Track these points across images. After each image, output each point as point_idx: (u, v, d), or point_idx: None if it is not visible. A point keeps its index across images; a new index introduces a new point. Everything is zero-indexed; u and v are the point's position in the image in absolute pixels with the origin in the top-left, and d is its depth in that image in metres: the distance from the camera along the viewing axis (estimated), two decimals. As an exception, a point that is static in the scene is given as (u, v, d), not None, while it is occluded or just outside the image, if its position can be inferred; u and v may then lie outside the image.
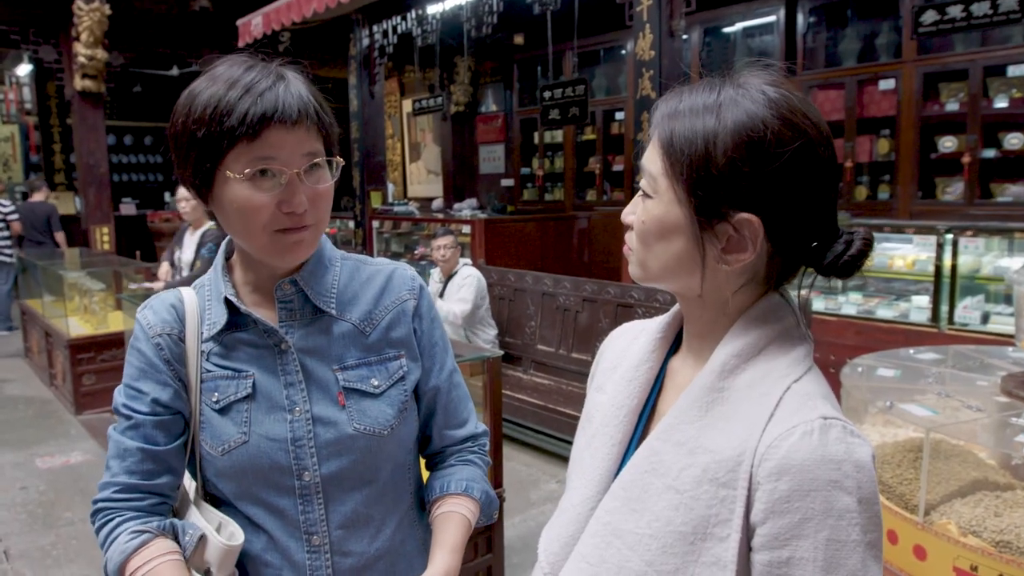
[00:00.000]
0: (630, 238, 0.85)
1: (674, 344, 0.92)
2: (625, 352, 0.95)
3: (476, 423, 1.24)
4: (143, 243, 9.20)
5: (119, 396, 1.07)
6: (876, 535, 0.72)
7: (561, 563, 0.87)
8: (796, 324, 0.82)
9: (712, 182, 0.76)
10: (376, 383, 1.09)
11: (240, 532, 1.05)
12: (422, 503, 1.20)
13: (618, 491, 0.83)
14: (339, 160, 1.04)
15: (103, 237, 8.08)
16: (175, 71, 9.75)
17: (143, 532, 1.02)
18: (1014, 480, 1.98)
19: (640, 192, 0.84)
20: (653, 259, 0.82)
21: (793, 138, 0.75)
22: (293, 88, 0.98)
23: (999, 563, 1.69)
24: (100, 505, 1.05)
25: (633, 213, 0.84)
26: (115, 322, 5.60)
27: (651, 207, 0.81)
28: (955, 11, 3.80)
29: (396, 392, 1.10)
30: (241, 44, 7.09)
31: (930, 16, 3.92)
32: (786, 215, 0.77)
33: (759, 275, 0.82)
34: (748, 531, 0.74)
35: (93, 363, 5.36)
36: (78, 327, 5.55)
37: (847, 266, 0.79)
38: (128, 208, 10.40)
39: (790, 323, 0.82)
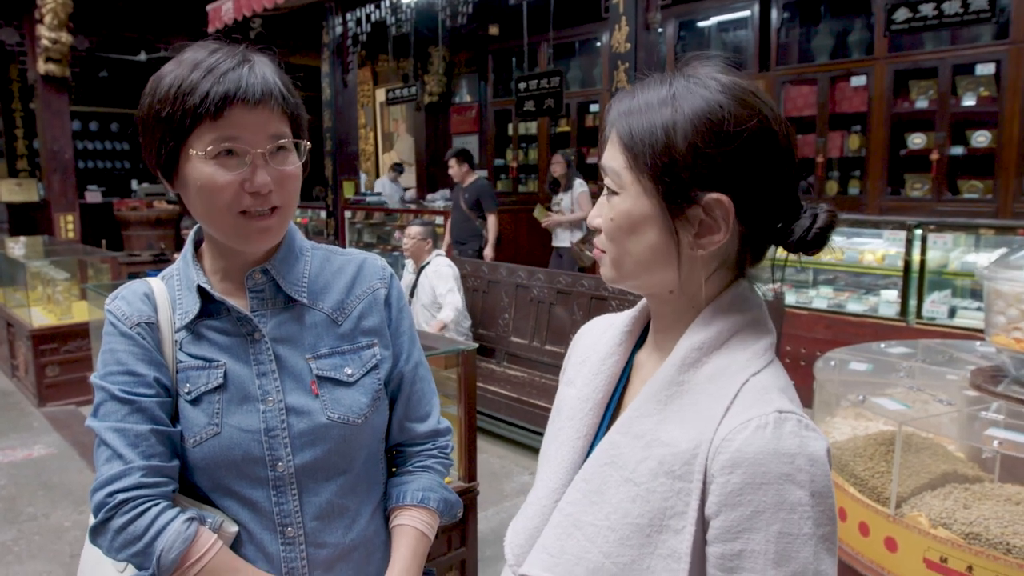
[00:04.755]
0: (600, 240, 0.85)
1: (642, 337, 0.93)
2: (595, 346, 0.96)
3: (439, 419, 1.23)
4: (109, 232, 8.99)
5: (111, 385, 1.02)
6: (830, 528, 0.73)
7: (525, 555, 0.88)
8: (762, 315, 0.83)
9: (677, 167, 0.76)
10: (349, 372, 1.08)
11: (231, 521, 1.04)
12: None
13: (580, 483, 0.84)
14: (306, 144, 1.04)
15: (68, 225, 7.91)
16: (143, 56, 9.56)
17: (194, 520, 1.00)
18: (982, 472, 2.01)
19: (605, 192, 0.83)
20: (627, 256, 0.82)
21: (750, 116, 0.77)
22: (257, 70, 0.98)
23: (968, 555, 1.71)
24: (127, 495, 0.98)
25: (600, 215, 0.84)
26: (80, 312, 5.47)
27: (618, 203, 0.81)
28: (927, 9, 3.85)
29: (370, 381, 1.10)
30: (211, 30, 6.96)
31: (902, 14, 3.96)
32: (753, 192, 0.78)
33: (729, 260, 0.82)
34: (703, 524, 0.75)
35: (57, 354, 5.23)
36: (41, 317, 5.42)
37: (816, 239, 0.79)
38: (94, 196, 10.17)
39: (756, 314, 0.82)
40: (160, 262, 6.88)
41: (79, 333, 5.23)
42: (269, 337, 1.05)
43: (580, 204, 6.36)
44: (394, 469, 1.21)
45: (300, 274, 1.09)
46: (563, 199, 6.51)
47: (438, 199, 7.93)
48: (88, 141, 11.35)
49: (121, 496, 0.97)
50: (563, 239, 6.54)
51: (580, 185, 6.44)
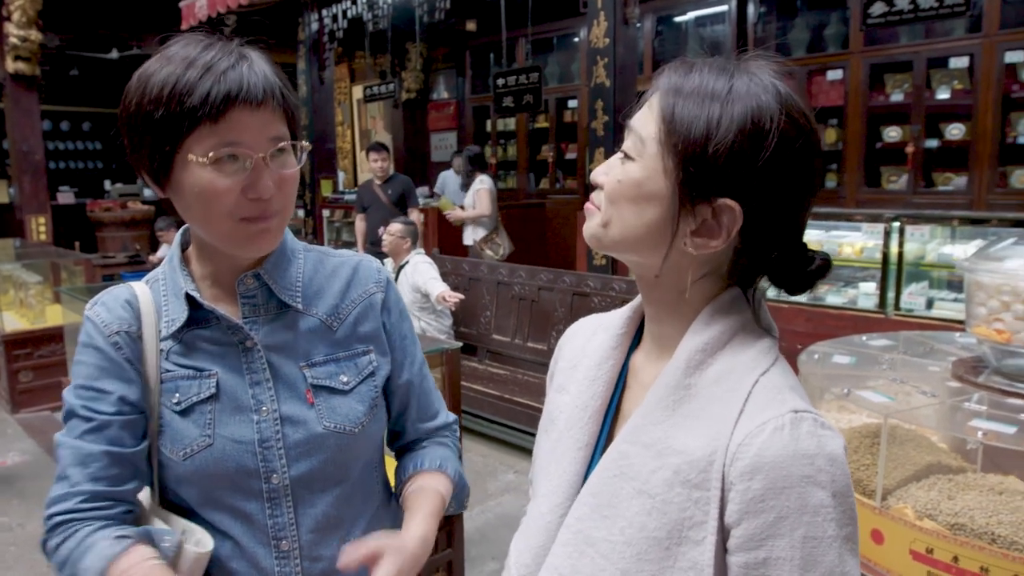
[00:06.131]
0: (597, 196, 0.81)
1: (636, 340, 0.90)
2: (584, 349, 0.92)
3: (446, 412, 1.22)
4: (83, 233, 8.84)
5: (73, 399, 0.99)
6: (851, 528, 0.71)
7: (533, 575, 0.84)
8: (762, 312, 0.81)
9: (707, 162, 0.73)
10: (345, 379, 1.05)
11: (208, 538, 1.00)
12: (391, 503, 1.17)
13: (587, 497, 0.80)
14: (305, 144, 0.99)
15: (39, 227, 7.77)
16: (115, 54, 9.41)
17: (125, 537, 0.95)
18: (965, 463, 2.02)
19: (620, 153, 0.80)
20: (619, 222, 0.78)
21: (796, 137, 0.74)
22: (257, 68, 0.93)
23: (953, 545, 1.73)
24: (62, 518, 0.96)
25: (606, 173, 0.80)
26: (53, 316, 5.37)
27: (632, 169, 0.77)
28: (903, 3, 3.87)
29: (366, 388, 1.06)
30: (184, 27, 6.86)
31: (879, 8, 3.99)
32: (767, 211, 0.75)
33: (721, 270, 0.80)
34: (723, 532, 0.72)
35: (30, 359, 5.13)
36: (14, 322, 5.32)
37: (804, 280, 0.78)
38: (66, 197, 9.99)
39: (750, 316, 0.80)
40: (135, 263, 6.79)
41: (53, 337, 5.13)
42: (262, 345, 1.02)
43: (478, 200, 6.27)
44: (400, 456, 1.20)
45: (293, 278, 1.05)
46: (467, 196, 6.41)
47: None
48: (59, 141, 11.16)
49: (57, 519, 0.96)
50: (468, 236, 6.45)
51: (479, 182, 6.30)
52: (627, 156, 0.78)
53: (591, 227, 0.82)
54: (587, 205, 0.83)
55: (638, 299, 0.89)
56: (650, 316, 0.86)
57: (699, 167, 0.73)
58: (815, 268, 0.77)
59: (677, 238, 0.76)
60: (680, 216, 0.75)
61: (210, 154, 0.90)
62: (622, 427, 0.81)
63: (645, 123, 0.77)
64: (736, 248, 0.78)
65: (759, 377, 0.75)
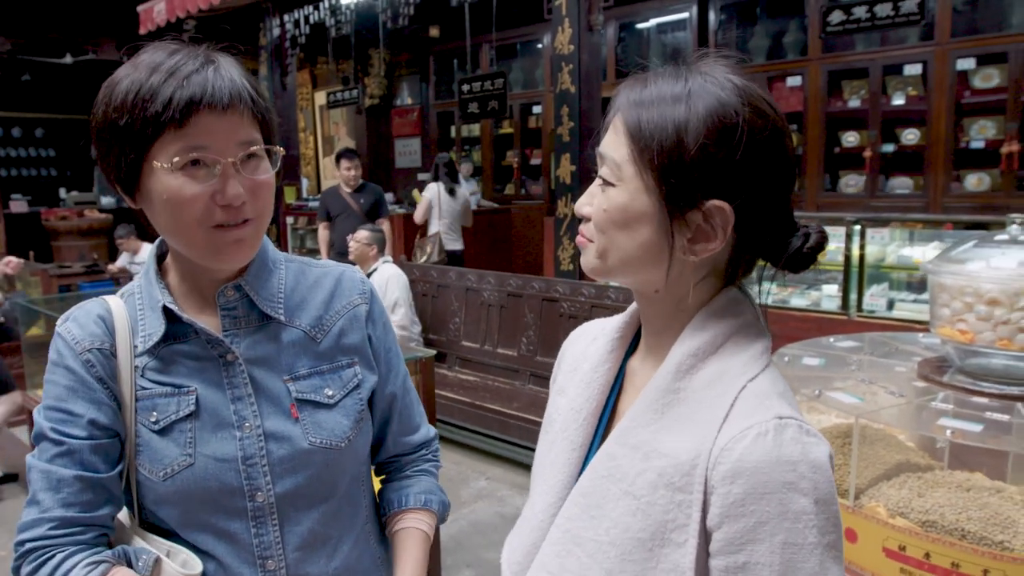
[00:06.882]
0: (587, 229, 0.82)
1: (633, 343, 0.91)
2: (585, 353, 0.93)
3: (428, 427, 1.21)
4: (38, 242, 8.61)
5: (44, 421, 0.95)
6: (835, 536, 0.71)
7: (524, 572, 0.85)
8: (755, 319, 0.81)
9: (685, 169, 0.74)
10: (330, 393, 1.02)
11: (196, 560, 0.97)
12: (377, 515, 1.16)
13: (577, 497, 0.81)
14: (279, 149, 0.97)
15: (-9, 237, 7.55)
16: (68, 59, 9.17)
17: (101, 563, 0.93)
18: (932, 461, 2.07)
19: (599, 181, 0.80)
20: (614, 250, 0.79)
21: (764, 126, 0.75)
22: (224, 72, 0.90)
23: (925, 542, 1.76)
24: (34, 544, 0.93)
25: (590, 204, 0.81)
26: (8, 328, 5.23)
27: (614, 195, 0.78)
28: (860, 12, 3.97)
29: (351, 402, 1.04)
30: (143, 31, 6.73)
31: (837, 16, 4.08)
32: (756, 203, 0.76)
33: (718, 269, 0.81)
34: (705, 536, 0.73)
35: (-15, 373, 4.98)
36: (-34, 334, 5.16)
37: (805, 259, 0.79)
38: (19, 205, 9.73)
39: (749, 318, 0.81)
40: (93, 273, 6.62)
41: (8, 351, 4.99)
42: (243, 358, 0.99)
43: (419, 207, 6.47)
44: (384, 476, 1.19)
45: (275, 289, 1.02)
46: None
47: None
48: (11, 148, 10.86)
49: (28, 545, 0.94)
50: None
51: (427, 190, 6.43)
52: (606, 182, 0.79)
53: (589, 260, 0.82)
54: (579, 239, 0.84)
55: (635, 304, 0.89)
56: (647, 323, 0.87)
57: (678, 176, 0.74)
58: (815, 244, 0.78)
59: (675, 250, 0.77)
60: (674, 228, 0.76)
61: (175, 159, 0.88)
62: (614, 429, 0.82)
63: (616, 146, 0.78)
64: (734, 244, 0.79)
65: (747, 383, 0.76)
